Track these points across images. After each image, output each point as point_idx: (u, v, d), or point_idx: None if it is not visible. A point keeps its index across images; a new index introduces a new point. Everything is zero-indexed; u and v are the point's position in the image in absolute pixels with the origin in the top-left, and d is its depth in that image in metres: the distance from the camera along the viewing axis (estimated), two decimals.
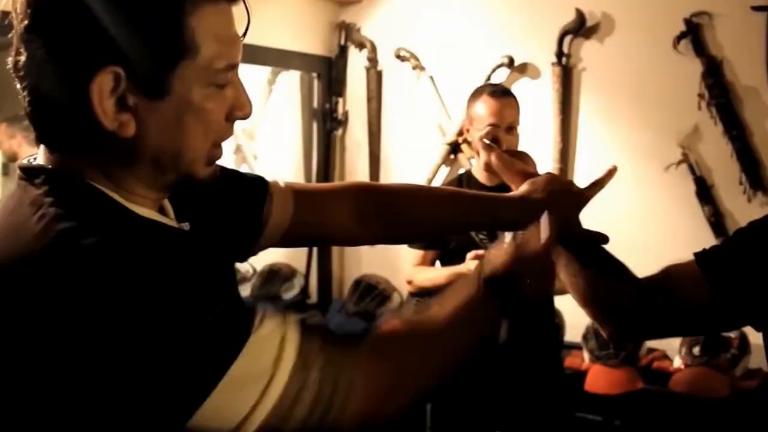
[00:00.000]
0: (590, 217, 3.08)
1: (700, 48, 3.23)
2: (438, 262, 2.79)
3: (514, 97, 2.72)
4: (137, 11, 0.83)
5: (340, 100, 4.19)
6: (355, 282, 4.06)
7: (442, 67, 3.88)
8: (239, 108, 0.93)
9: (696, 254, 1.31)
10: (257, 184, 1.19)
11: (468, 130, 2.74)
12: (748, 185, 3.17)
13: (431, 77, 3.90)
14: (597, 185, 1.43)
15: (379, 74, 4.12)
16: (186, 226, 0.99)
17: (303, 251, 4.17)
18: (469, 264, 2.55)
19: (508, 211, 1.32)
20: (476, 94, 2.71)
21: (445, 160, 3.90)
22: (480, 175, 2.74)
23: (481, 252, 2.56)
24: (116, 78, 0.83)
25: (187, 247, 0.95)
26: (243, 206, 1.03)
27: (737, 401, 2.85)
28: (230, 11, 0.90)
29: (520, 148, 2.70)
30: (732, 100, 3.19)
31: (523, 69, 3.68)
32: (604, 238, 1.35)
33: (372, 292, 3.93)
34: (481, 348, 1.13)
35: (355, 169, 4.25)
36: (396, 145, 4.12)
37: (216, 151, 0.95)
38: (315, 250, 4.24)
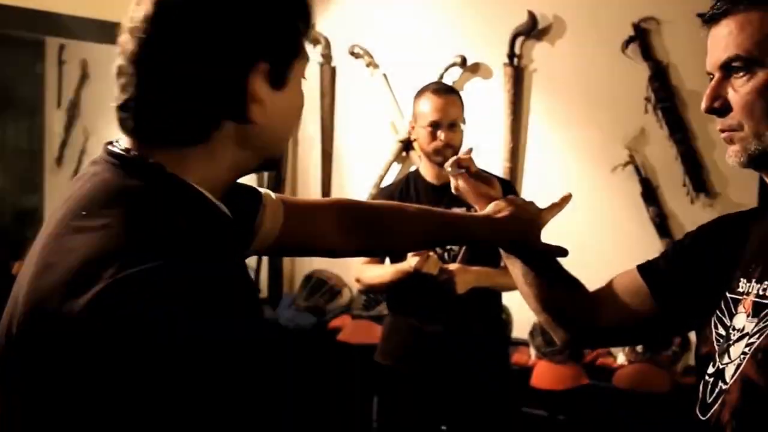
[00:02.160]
0: None
1: (647, 52, 3.30)
2: (387, 259, 2.82)
3: (458, 95, 2.76)
4: (280, 16, 0.97)
5: None
6: (305, 277, 4.06)
7: (395, 65, 3.90)
8: (303, 102, 1.06)
9: (639, 267, 1.38)
10: (251, 194, 1.27)
11: (413, 128, 2.77)
12: (691, 187, 3.24)
13: (384, 75, 3.92)
14: (554, 208, 1.55)
15: (333, 70, 4.13)
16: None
17: None
18: (411, 261, 2.58)
19: (478, 229, 1.45)
20: (421, 92, 2.75)
21: (397, 158, 3.93)
22: (427, 174, 2.77)
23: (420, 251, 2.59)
24: (263, 71, 0.95)
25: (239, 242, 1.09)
26: (236, 215, 1.07)
27: (677, 396, 2.93)
28: None
29: (467, 146, 2.74)
30: (677, 104, 3.26)
31: (475, 69, 3.72)
32: (564, 252, 1.45)
33: (322, 288, 3.94)
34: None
35: (308, 165, 4.26)
36: (348, 141, 4.14)
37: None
38: None
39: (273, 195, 1.31)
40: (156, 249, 0.83)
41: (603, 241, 3.36)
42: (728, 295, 1.20)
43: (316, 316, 3.86)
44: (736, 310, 1.17)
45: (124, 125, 0.94)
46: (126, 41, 0.93)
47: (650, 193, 3.33)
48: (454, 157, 1.57)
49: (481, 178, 1.56)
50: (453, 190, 1.57)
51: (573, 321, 1.45)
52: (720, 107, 1.17)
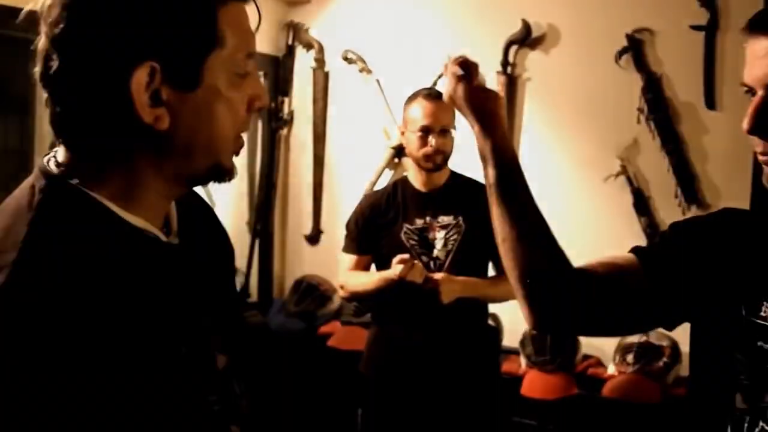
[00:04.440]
0: None
1: (640, 63, 3.31)
2: (373, 266, 2.80)
3: None
4: (174, 6, 0.86)
5: (286, 99, 4.18)
6: (296, 282, 4.04)
7: (389, 70, 3.89)
8: (258, 98, 0.96)
9: (634, 249, 1.27)
10: None
11: (403, 133, 2.76)
12: (683, 198, 3.25)
13: (378, 80, 3.91)
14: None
15: (326, 75, 4.12)
16: (174, 240, 0.99)
17: (244, 250, 4.14)
18: (396, 269, 2.56)
19: None
20: (412, 97, 2.74)
21: (389, 164, 3.92)
22: (415, 181, 2.76)
23: (406, 256, 2.57)
24: (152, 72, 0.85)
25: (163, 260, 0.95)
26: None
27: (668, 408, 2.92)
28: (244, 6, 0.94)
29: (457, 152, 2.73)
30: (670, 115, 3.27)
31: None
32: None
33: (313, 293, 3.92)
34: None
35: (299, 170, 4.24)
36: (340, 146, 4.12)
37: (240, 141, 0.97)
38: (256, 249, 4.22)
39: None
40: (8, 266, 0.80)
41: (594, 250, 3.31)
42: (753, 319, 1.12)
43: (306, 322, 3.84)
44: (766, 341, 1.10)
45: (54, 134, 0.92)
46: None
47: (642, 204, 3.33)
48: (460, 57, 1.37)
49: (481, 91, 1.33)
50: (445, 98, 1.37)
51: (554, 298, 1.27)
52: (764, 128, 1.07)
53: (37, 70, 0.88)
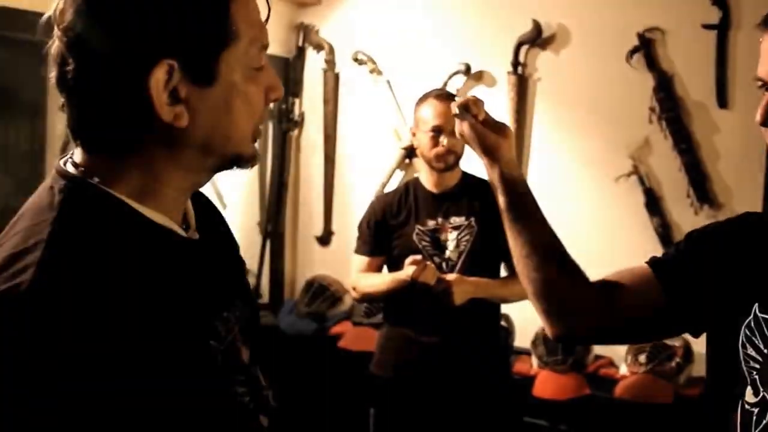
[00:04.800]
0: None
1: (652, 63, 3.29)
2: (385, 268, 2.80)
3: None
4: (187, 3, 0.86)
5: (297, 101, 4.19)
6: (307, 283, 4.05)
7: (399, 71, 3.90)
8: (273, 90, 0.97)
9: (650, 260, 1.30)
10: None
11: (414, 134, 2.76)
12: (695, 198, 3.23)
13: (388, 81, 3.92)
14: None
15: (337, 77, 4.12)
16: (195, 235, 1.00)
17: (255, 251, 4.15)
18: (408, 270, 2.56)
19: None
20: (423, 98, 2.74)
21: (400, 165, 3.92)
22: (427, 183, 2.76)
23: (418, 257, 2.57)
24: (169, 71, 0.86)
25: (185, 255, 0.96)
26: None
27: (680, 408, 2.91)
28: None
29: (469, 153, 2.73)
30: (682, 115, 3.26)
31: (479, 77, 3.71)
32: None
33: (324, 293, 3.93)
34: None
35: (310, 171, 4.25)
36: (351, 147, 4.13)
37: (258, 130, 0.98)
38: (267, 250, 4.23)
39: None
40: (26, 275, 0.80)
41: (606, 250, 3.34)
42: (760, 314, 1.14)
43: (317, 323, 3.84)
44: None
45: (71, 136, 0.93)
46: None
47: (654, 204, 3.32)
48: (464, 99, 1.45)
49: (491, 125, 1.41)
50: (457, 134, 1.46)
51: (572, 313, 1.32)
52: None
53: (53, 74, 0.89)
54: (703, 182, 3.22)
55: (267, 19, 0.96)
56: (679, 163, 3.25)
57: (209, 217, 1.09)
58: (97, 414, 0.78)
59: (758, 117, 1.10)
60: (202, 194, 1.12)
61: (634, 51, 3.32)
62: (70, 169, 0.92)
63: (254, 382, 1.03)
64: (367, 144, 4.05)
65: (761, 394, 1.10)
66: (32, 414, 0.76)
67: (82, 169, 0.91)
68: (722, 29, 3.15)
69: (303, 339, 3.80)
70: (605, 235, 3.41)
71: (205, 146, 0.92)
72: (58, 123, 4.98)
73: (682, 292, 1.24)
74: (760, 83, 1.12)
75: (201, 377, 0.89)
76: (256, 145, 1.00)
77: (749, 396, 1.11)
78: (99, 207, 0.89)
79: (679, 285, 1.24)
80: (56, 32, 0.87)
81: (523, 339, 3.37)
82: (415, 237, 2.69)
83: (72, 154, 0.95)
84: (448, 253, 2.68)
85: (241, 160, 0.97)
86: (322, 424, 3.73)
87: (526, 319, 3.17)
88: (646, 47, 3.30)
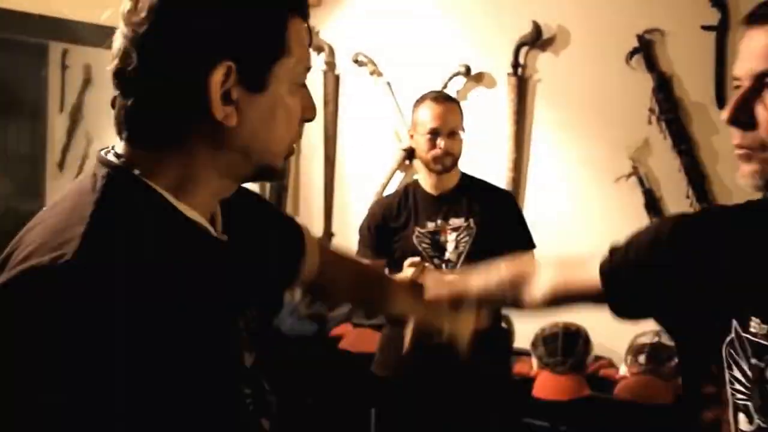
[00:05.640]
0: (541, 224, 3.13)
1: (651, 64, 3.30)
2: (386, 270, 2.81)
3: (457, 104, 2.76)
4: (252, 13, 0.92)
5: None
6: None
7: (399, 73, 3.90)
8: (308, 110, 1.03)
9: (601, 271, 1.36)
10: (291, 224, 1.34)
11: (412, 136, 2.77)
12: (694, 199, 3.23)
13: (388, 83, 3.92)
14: None
15: (337, 78, 4.13)
16: (223, 236, 1.04)
17: None
18: (407, 272, 2.56)
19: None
20: (420, 99, 2.74)
21: (400, 166, 3.92)
22: (426, 185, 2.76)
23: (417, 260, 2.58)
24: (228, 72, 0.91)
25: (212, 254, 1.00)
26: (277, 240, 1.16)
27: (681, 408, 2.91)
28: (305, 24, 1.02)
29: (469, 154, 2.73)
30: (681, 116, 3.26)
31: (479, 78, 3.72)
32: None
33: None
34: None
35: (310, 172, 4.25)
36: (351, 149, 4.13)
37: (293, 148, 1.04)
38: None
39: (310, 233, 1.37)
40: (69, 247, 0.84)
41: (605, 251, 3.34)
42: (743, 334, 1.08)
43: (317, 324, 3.84)
44: (761, 357, 1.07)
45: (116, 128, 0.97)
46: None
47: (653, 204, 3.32)
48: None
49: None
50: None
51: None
52: (745, 121, 1.06)
53: (111, 67, 0.94)
54: (702, 183, 3.22)
55: (310, 44, 1.01)
56: (678, 164, 3.25)
57: (248, 219, 1.13)
58: (119, 381, 0.81)
59: (725, 115, 1.07)
60: (252, 195, 1.20)
61: (633, 52, 3.32)
62: (112, 159, 0.95)
63: (257, 385, 1.05)
64: (367, 145, 4.05)
65: (755, 421, 1.06)
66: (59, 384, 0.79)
67: (124, 160, 0.95)
68: (721, 30, 3.15)
69: (304, 341, 3.80)
70: (605, 236, 3.35)
71: (244, 151, 0.97)
72: (58, 126, 4.98)
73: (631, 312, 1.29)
74: (736, 82, 1.09)
75: (207, 374, 0.92)
76: None
77: (743, 424, 1.07)
78: (139, 194, 0.93)
79: (629, 307, 1.29)
80: (122, 28, 0.92)
81: (522, 340, 3.37)
82: (414, 239, 2.70)
83: (113, 147, 0.98)
84: (447, 254, 2.68)
85: (272, 173, 1.02)
86: (323, 425, 3.73)
87: (525, 321, 3.18)
88: (646, 48, 3.30)
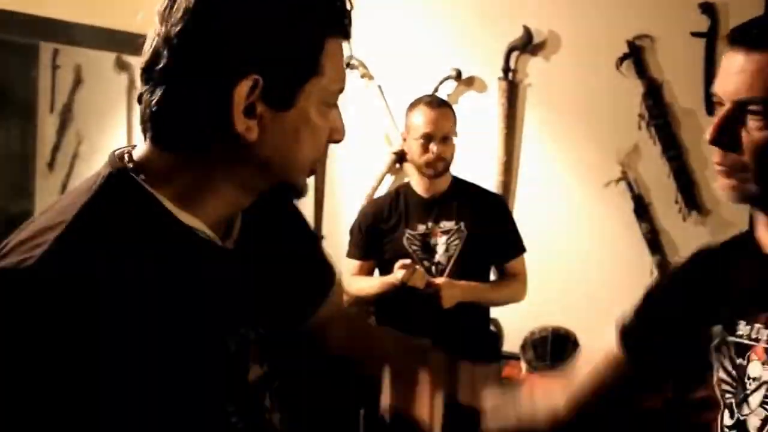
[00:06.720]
0: (531, 228, 3.13)
1: (641, 70, 3.31)
2: (376, 271, 2.81)
3: (451, 108, 2.77)
4: (288, 29, 0.90)
5: None
6: None
7: (390, 76, 3.90)
8: (337, 131, 1.01)
9: (621, 341, 1.32)
10: (327, 269, 1.26)
11: (405, 140, 2.78)
12: (683, 204, 3.25)
13: (379, 86, 3.92)
14: None
15: None
16: (229, 244, 1.00)
17: None
18: (397, 273, 2.57)
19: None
20: (414, 104, 2.75)
21: (391, 170, 3.92)
22: (418, 188, 2.77)
23: (407, 262, 2.59)
24: (254, 86, 0.88)
25: (212, 262, 0.97)
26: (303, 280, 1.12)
27: (670, 413, 2.92)
28: (343, 43, 0.99)
29: (459, 158, 2.74)
30: (671, 122, 3.28)
31: (470, 82, 3.72)
32: None
33: None
34: None
35: None
36: (342, 152, 4.12)
37: (315, 166, 1.00)
38: None
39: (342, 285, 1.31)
40: (38, 250, 0.83)
41: (595, 255, 3.36)
42: (729, 338, 1.13)
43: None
44: (745, 357, 1.11)
45: (141, 126, 0.95)
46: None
47: (643, 210, 3.33)
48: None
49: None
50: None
51: None
52: (727, 142, 1.09)
53: (142, 62, 0.92)
54: (691, 188, 3.24)
55: (347, 65, 0.99)
56: (667, 170, 3.27)
57: (277, 232, 1.10)
58: (72, 395, 0.79)
59: (708, 136, 1.10)
60: (293, 211, 1.16)
61: (623, 58, 3.33)
62: (121, 160, 0.94)
63: (254, 402, 1.01)
64: (357, 148, 4.05)
65: (735, 416, 1.10)
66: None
67: (135, 162, 0.93)
68: (711, 37, 3.17)
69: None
70: (594, 241, 3.42)
71: (263, 167, 0.94)
72: (48, 126, 4.97)
73: (647, 363, 1.31)
74: (716, 98, 1.11)
75: (186, 390, 0.89)
76: None
77: (726, 419, 1.11)
78: (134, 198, 0.91)
79: (643, 356, 1.30)
80: (157, 27, 0.90)
81: (512, 344, 3.37)
82: (405, 241, 2.70)
83: (132, 147, 0.97)
84: (437, 257, 2.69)
85: (292, 190, 1.00)
86: (312, 425, 3.73)
87: (515, 324, 3.18)
88: (636, 54, 3.31)
